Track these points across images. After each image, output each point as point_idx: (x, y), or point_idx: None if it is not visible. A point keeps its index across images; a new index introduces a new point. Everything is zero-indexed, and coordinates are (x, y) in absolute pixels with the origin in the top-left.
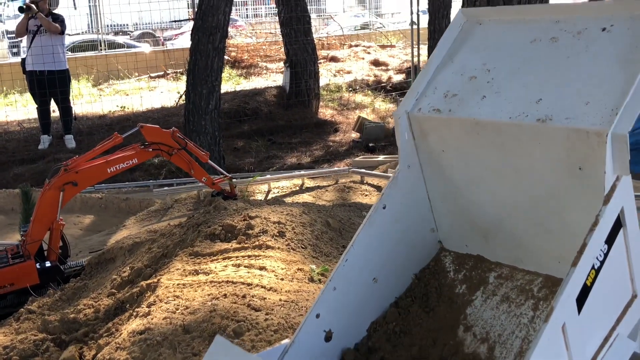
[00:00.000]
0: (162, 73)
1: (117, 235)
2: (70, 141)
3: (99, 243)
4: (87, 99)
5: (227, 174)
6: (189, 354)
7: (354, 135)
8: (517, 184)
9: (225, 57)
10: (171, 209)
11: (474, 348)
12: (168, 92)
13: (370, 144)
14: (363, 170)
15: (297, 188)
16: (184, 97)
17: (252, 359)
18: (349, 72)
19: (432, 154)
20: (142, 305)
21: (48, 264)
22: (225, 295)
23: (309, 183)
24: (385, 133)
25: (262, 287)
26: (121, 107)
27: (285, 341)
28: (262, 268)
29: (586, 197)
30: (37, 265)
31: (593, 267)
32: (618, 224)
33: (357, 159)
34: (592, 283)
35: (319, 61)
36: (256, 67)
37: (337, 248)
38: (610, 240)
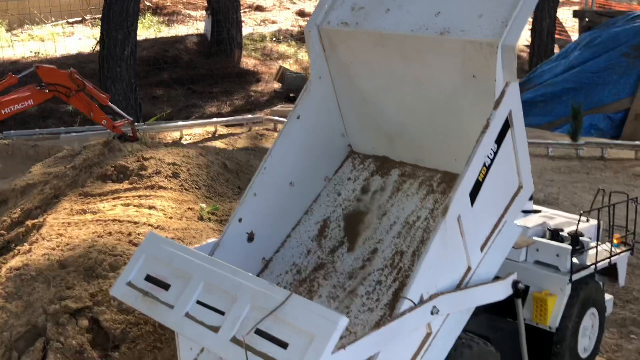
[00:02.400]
0: (80, 19)
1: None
2: None
3: (3, 192)
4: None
5: (129, 117)
6: (62, 287)
7: (276, 85)
8: (419, 92)
9: (147, 3)
10: (79, 155)
11: (383, 236)
12: (86, 39)
13: (291, 94)
14: (276, 117)
15: (210, 135)
16: None
17: (188, 251)
18: (273, 22)
19: (341, 65)
20: (25, 244)
21: None
22: (110, 233)
23: (223, 130)
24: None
25: (149, 225)
26: (35, 53)
27: (212, 240)
28: (151, 207)
29: (479, 102)
30: None
31: (484, 165)
32: (506, 125)
33: (275, 108)
34: (484, 178)
35: (243, 10)
36: (179, 14)
37: (232, 189)
38: (499, 140)
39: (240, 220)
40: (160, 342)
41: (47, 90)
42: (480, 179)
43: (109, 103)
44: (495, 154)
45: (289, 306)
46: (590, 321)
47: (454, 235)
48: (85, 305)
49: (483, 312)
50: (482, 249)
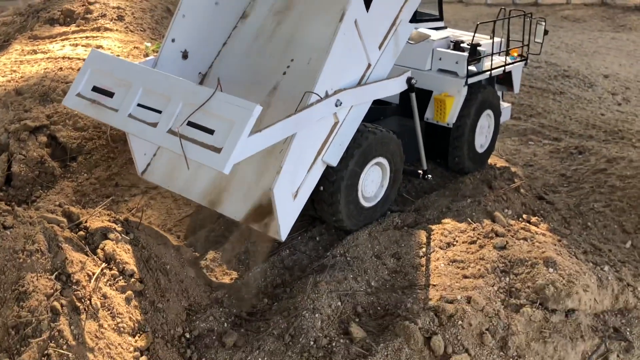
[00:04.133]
0: None
1: None
2: None
3: None
4: None
5: None
6: (20, 110)
7: None
8: None
9: None
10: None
11: (313, 35)
12: None
13: None
14: None
15: None
16: None
17: (128, 63)
18: None
19: None
20: None
21: None
22: (60, 68)
23: None
24: None
25: None
26: None
27: (151, 58)
28: (98, 47)
29: None
30: None
31: None
32: None
33: None
34: None
35: None
36: None
37: None
38: None
39: (173, 40)
40: (113, 153)
41: None
42: None
43: None
44: None
45: (214, 100)
46: (486, 121)
47: (352, 38)
48: (43, 124)
49: (393, 115)
50: (380, 47)
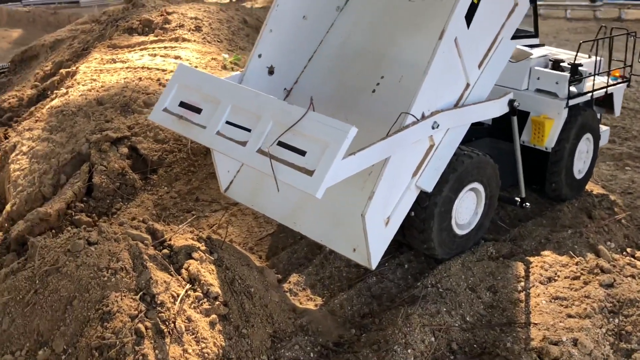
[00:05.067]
0: None
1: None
2: None
3: (33, 47)
4: None
5: None
6: (101, 121)
7: None
8: None
9: None
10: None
11: (391, 62)
12: None
13: None
14: None
15: None
16: None
17: (216, 79)
18: None
19: None
20: (62, 89)
21: None
22: (140, 78)
23: None
24: None
25: None
26: None
27: (237, 73)
28: (177, 57)
29: None
30: None
31: None
32: None
33: None
34: (479, 1)
35: None
36: None
37: (252, 43)
38: None
39: (259, 56)
40: (194, 166)
41: None
42: (476, 1)
43: None
44: None
45: (306, 120)
46: (585, 146)
47: (452, 57)
48: (124, 135)
49: (486, 136)
50: (479, 66)
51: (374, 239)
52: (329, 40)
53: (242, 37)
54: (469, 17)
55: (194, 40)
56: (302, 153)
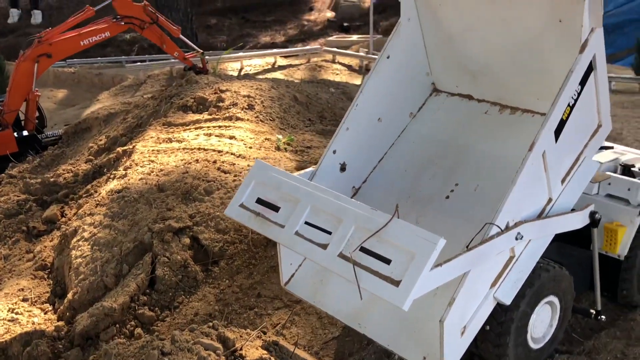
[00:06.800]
0: None
1: (91, 108)
2: (37, 16)
3: (73, 116)
4: None
5: (199, 49)
6: (163, 209)
7: (329, 14)
8: (505, 32)
9: None
10: (144, 84)
11: (465, 169)
12: None
13: (345, 24)
14: (335, 49)
15: (270, 66)
16: None
17: (294, 177)
18: None
19: (429, 7)
20: (119, 169)
21: (25, 133)
22: (197, 160)
23: (282, 62)
24: (360, 12)
25: (231, 154)
26: None
27: (310, 169)
28: (231, 137)
29: (563, 45)
30: (15, 134)
31: (569, 105)
32: (590, 69)
33: (330, 38)
34: (567, 117)
35: None
36: None
37: (303, 121)
38: (583, 82)
39: (334, 152)
40: (255, 259)
41: (123, 23)
42: (564, 118)
43: (180, 35)
44: (579, 94)
45: (391, 228)
46: None
47: (538, 170)
48: (186, 225)
49: (555, 241)
50: (562, 182)
51: (449, 347)
52: (400, 144)
53: (292, 114)
54: (557, 133)
55: (247, 119)
56: (387, 261)
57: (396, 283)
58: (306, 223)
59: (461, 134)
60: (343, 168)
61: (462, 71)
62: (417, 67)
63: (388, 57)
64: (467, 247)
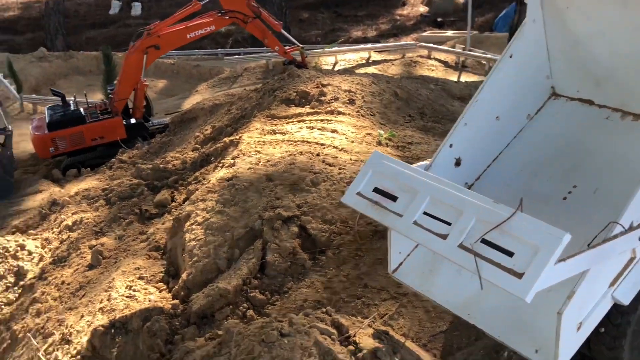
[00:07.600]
0: None
1: (190, 99)
2: (137, 7)
3: (173, 106)
4: None
5: (299, 44)
6: (272, 198)
7: (422, 9)
8: (636, 38)
9: None
10: (241, 77)
11: (584, 171)
12: None
13: (439, 19)
14: (431, 45)
15: (364, 61)
16: None
17: (411, 168)
18: None
19: (556, 10)
20: (227, 158)
21: (134, 120)
22: (301, 152)
23: (376, 56)
24: (455, 8)
25: (334, 147)
26: None
27: (424, 162)
28: (333, 131)
29: None
30: (124, 122)
31: None
32: None
33: (424, 34)
34: None
35: None
36: None
37: (403, 117)
38: None
39: (451, 146)
40: (361, 250)
41: (227, 17)
42: None
43: (281, 30)
44: None
45: (515, 221)
46: None
47: None
48: (294, 214)
49: None
50: None
51: (565, 341)
52: (517, 144)
53: (393, 110)
54: None
55: (349, 114)
56: (510, 254)
57: (519, 275)
58: (425, 213)
59: (580, 138)
60: (458, 163)
61: (585, 76)
62: (538, 69)
63: (511, 57)
64: (588, 245)
